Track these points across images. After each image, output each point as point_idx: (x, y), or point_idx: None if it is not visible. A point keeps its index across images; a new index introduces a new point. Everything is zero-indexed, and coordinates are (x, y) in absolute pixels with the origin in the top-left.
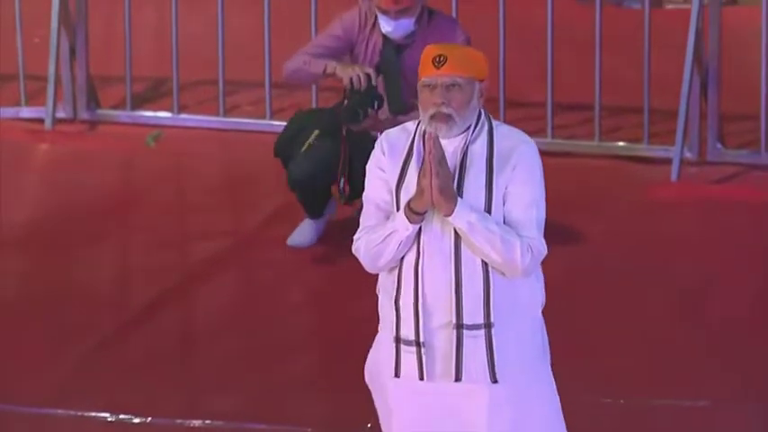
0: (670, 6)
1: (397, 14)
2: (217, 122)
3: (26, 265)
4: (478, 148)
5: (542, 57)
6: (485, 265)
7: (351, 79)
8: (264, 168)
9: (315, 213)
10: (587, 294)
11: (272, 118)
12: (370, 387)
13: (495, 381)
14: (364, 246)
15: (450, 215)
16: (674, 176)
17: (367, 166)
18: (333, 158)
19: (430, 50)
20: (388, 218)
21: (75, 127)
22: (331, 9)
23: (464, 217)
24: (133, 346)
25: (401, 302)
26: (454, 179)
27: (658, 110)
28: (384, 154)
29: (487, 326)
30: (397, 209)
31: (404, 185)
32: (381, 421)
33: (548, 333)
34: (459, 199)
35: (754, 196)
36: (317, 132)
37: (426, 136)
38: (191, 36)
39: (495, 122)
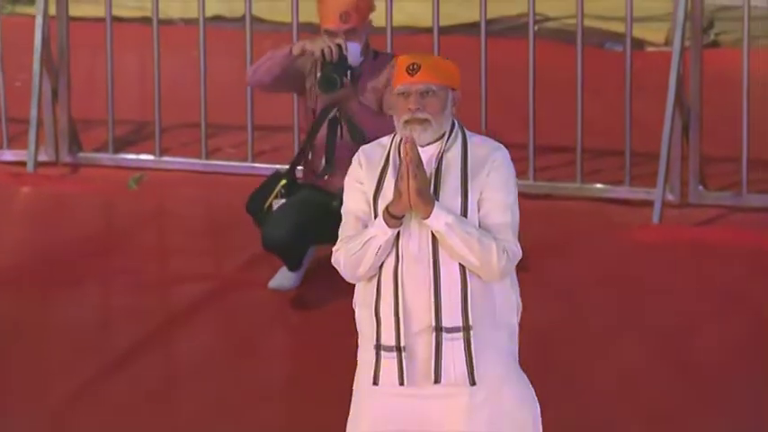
0: (651, 49)
1: (345, 35)
2: (199, 165)
3: (8, 307)
4: (453, 156)
5: (524, 99)
6: (462, 268)
7: (323, 51)
8: (245, 212)
9: (293, 267)
10: (568, 337)
11: (254, 161)
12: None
13: (473, 383)
14: (344, 255)
15: (427, 217)
16: (655, 219)
17: (345, 181)
18: (306, 217)
19: (403, 60)
20: (365, 227)
21: (57, 170)
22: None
23: (441, 219)
24: (113, 389)
25: (381, 309)
26: (430, 186)
27: (640, 152)
28: (361, 167)
29: (466, 329)
30: (375, 217)
31: (381, 194)
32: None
33: (529, 375)
34: (436, 202)
35: (736, 239)
36: (284, 182)
37: (403, 140)
38: (173, 79)
39: (467, 132)
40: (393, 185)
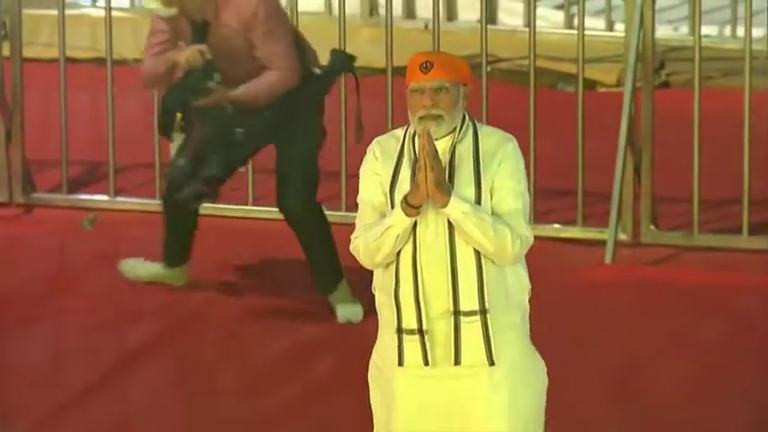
0: (603, 90)
1: None
2: (153, 205)
3: None
4: (465, 148)
5: None
6: (477, 254)
7: (187, 60)
8: (201, 249)
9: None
10: None
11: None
12: (371, 385)
13: (492, 363)
14: (363, 243)
15: (445, 207)
16: (608, 258)
17: (360, 171)
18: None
19: (416, 58)
20: (382, 216)
21: (10, 211)
22: None
23: (458, 208)
24: (67, 429)
25: (401, 294)
26: (446, 177)
27: (592, 192)
28: (377, 158)
29: (483, 312)
30: (392, 207)
31: (397, 185)
32: (377, 418)
33: None
34: (453, 191)
35: (688, 278)
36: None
37: (420, 132)
38: (126, 119)
39: (478, 123)
40: (408, 176)
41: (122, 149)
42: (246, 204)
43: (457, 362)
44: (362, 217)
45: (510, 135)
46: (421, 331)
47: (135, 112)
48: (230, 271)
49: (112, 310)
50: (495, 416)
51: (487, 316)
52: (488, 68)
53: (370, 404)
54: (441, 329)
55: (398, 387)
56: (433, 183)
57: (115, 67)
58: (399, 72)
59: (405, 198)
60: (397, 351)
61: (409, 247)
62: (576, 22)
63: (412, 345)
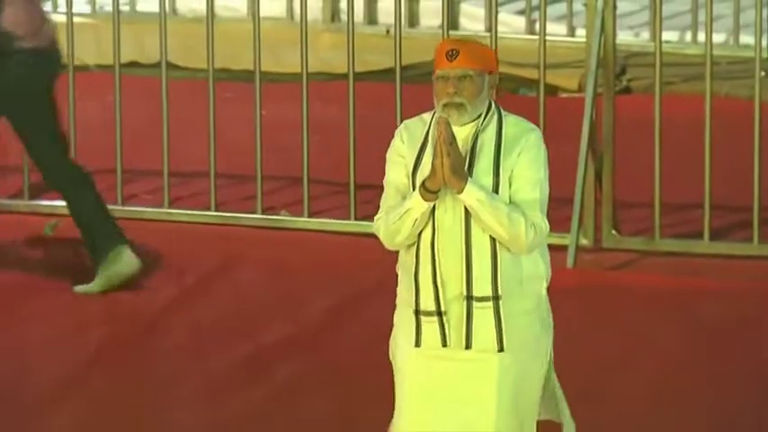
0: (564, 95)
1: None
2: (115, 211)
3: None
4: (488, 135)
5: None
6: (493, 241)
7: None
8: (162, 257)
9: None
10: None
11: (170, 207)
12: (392, 362)
13: (501, 349)
14: (384, 224)
15: (461, 192)
16: (569, 263)
17: (387, 154)
18: None
19: (443, 46)
20: (404, 198)
21: None
22: (222, 105)
23: (473, 194)
24: None
25: (420, 276)
26: (465, 163)
27: (553, 197)
28: (403, 142)
29: (495, 298)
30: (413, 191)
31: (419, 169)
32: (398, 402)
33: None
34: (469, 178)
35: (650, 283)
36: None
37: (437, 120)
38: (87, 125)
39: (503, 112)
40: (430, 162)
41: (83, 155)
42: (209, 210)
43: (468, 346)
44: (386, 199)
45: (534, 126)
46: (439, 313)
47: (96, 118)
48: (193, 277)
49: (74, 316)
50: (503, 401)
51: (500, 302)
52: None
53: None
54: (455, 313)
55: (411, 367)
56: (449, 168)
57: (76, 73)
58: (360, 77)
59: (423, 182)
60: (414, 332)
61: (428, 231)
62: (537, 27)
63: (429, 327)
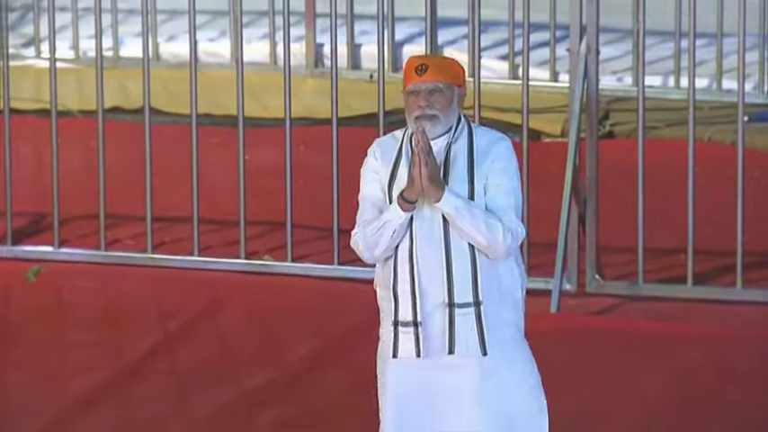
0: (548, 140)
1: None
2: (98, 257)
3: None
4: (460, 146)
5: None
6: (471, 247)
7: None
8: (145, 302)
9: None
10: None
11: (153, 252)
12: (378, 375)
13: (485, 353)
14: (362, 238)
15: (438, 201)
16: (553, 308)
17: (361, 171)
18: None
19: (412, 61)
20: (380, 212)
21: None
22: (205, 150)
23: (451, 203)
24: None
25: (398, 288)
26: (440, 174)
27: (537, 242)
28: (376, 159)
29: (476, 304)
30: (390, 203)
31: (395, 183)
32: (381, 413)
33: None
34: (446, 186)
35: (633, 327)
36: None
37: (416, 130)
38: (71, 170)
39: (473, 124)
40: (406, 174)
41: (67, 201)
42: (192, 255)
43: (451, 351)
44: (362, 213)
45: (503, 135)
46: (415, 323)
47: (79, 163)
48: (176, 322)
49: (56, 363)
50: (485, 405)
51: (481, 308)
52: None
53: None
54: (436, 321)
55: (392, 378)
56: (427, 178)
57: (59, 119)
58: (344, 122)
59: (401, 193)
60: (392, 343)
61: (406, 242)
62: (520, 72)
63: (407, 337)
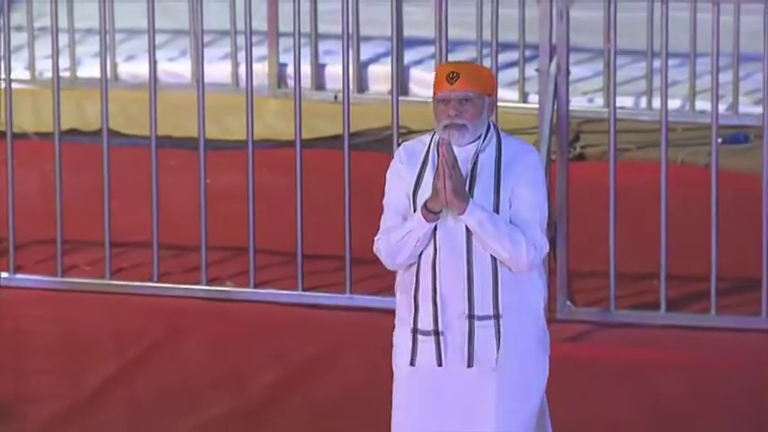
0: None
1: None
2: (54, 283)
3: None
4: (488, 156)
5: None
6: (494, 260)
7: None
8: (103, 330)
9: None
10: None
11: (111, 278)
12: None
13: (501, 366)
14: (384, 244)
15: (462, 214)
16: None
17: (387, 175)
18: None
19: (443, 69)
20: (404, 219)
21: None
22: (165, 173)
23: (475, 215)
24: None
25: (419, 296)
26: (466, 183)
27: None
28: (402, 163)
29: (496, 317)
30: (414, 210)
31: (420, 190)
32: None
33: None
34: (470, 199)
35: (605, 355)
36: None
37: (440, 142)
38: (26, 194)
39: (502, 133)
40: (431, 182)
41: (22, 225)
42: (151, 281)
43: (470, 364)
44: (386, 219)
45: (532, 146)
46: (437, 332)
47: (35, 187)
48: (135, 350)
49: (10, 391)
50: (502, 419)
51: (500, 321)
52: (400, 140)
53: None
54: (456, 332)
55: (408, 386)
56: (451, 190)
57: (15, 141)
58: (308, 144)
59: (425, 204)
60: (410, 351)
61: (430, 251)
62: None
63: (426, 345)
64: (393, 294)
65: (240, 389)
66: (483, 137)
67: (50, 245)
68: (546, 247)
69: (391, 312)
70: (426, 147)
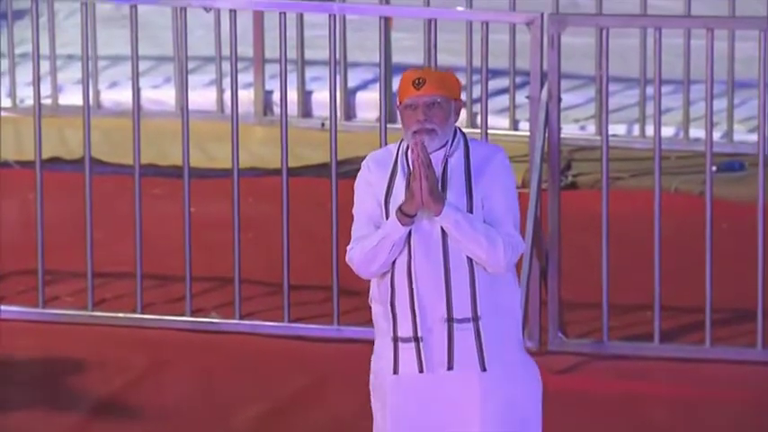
0: None
1: None
2: (36, 314)
3: None
4: (457, 160)
5: None
6: (470, 261)
7: None
8: (86, 362)
9: None
10: None
11: (93, 309)
12: (371, 394)
13: (484, 369)
14: (358, 253)
15: (439, 215)
16: None
17: (355, 185)
18: None
19: (409, 75)
20: (376, 227)
21: None
22: (149, 202)
23: (451, 216)
24: None
25: (397, 304)
26: (439, 187)
27: None
28: (370, 171)
29: (475, 319)
30: (386, 217)
31: (392, 196)
32: (376, 425)
33: None
34: (445, 200)
35: (597, 387)
36: None
37: (413, 143)
38: (7, 223)
39: (468, 137)
40: (403, 188)
41: (3, 256)
42: (134, 312)
43: (450, 367)
44: (357, 228)
45: (500, 147)
46: (416, 339)
47: (16, 216)
48: (117, 383)
49: None
50: (488, 421)
51: (480, 323)
52: None
53: None
54: (435, 336)
55: (393, 394)
56: (428, 191)
57: None
58: (295, 172)
59: (399, 207)
60: (392, 359)
61: (404, 256)
62: (479, 120)
63: (407, 353)
64: None
65: (225, 422)
66: (450, 142)
67: (32, 275)
68: (521, 246)
69: None
70: (394, 155)
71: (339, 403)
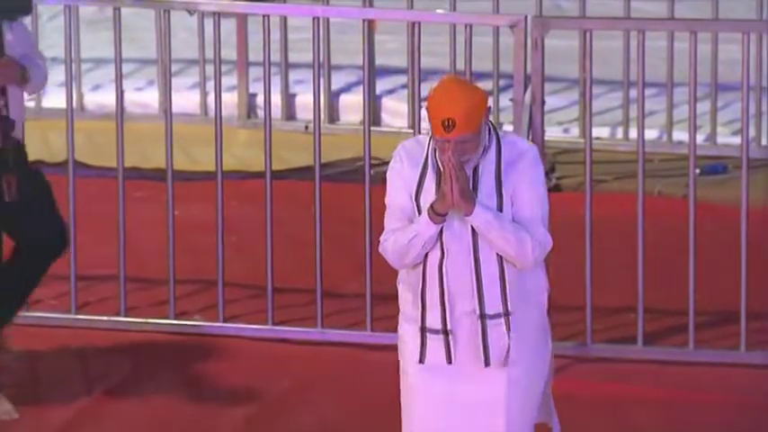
0: None
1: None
2: (18, 317)
3: None
4: (488, 159)
5: (360, 245)
6: (500, 259)
7: None
8: (68, 366)
9: None
10: None
11: (76, 312)
12: (401, 375)
13: (509, 363)
14: (391, 246)
15: (470, 215)
16: None
17: (387, 175)
18: None
19: (436, 113)
20: (409, 220)
21: None
22: (132, 205)
23: (482, 216)
24: None
25: (427, 295)
26: (470, 187)
27: None
28: (402, 162)
29: (506, 314)
30: (418, 213)
31: (423, 192)
32: (403, 412)
33: None
34: (476, 200)
35: (581, 390)
36: None
37: (445, 158)
38: None
39: (500, 133)
40: (433, 185)
41: None
42: (118, 315)
43: (487, 363)
44: (390, 220)
45: (530, 145)
46: (446, 332)
47: None
48: (101, 387)
49: None
50: (512, 412)
51: (510, 318)
52: (372, 171)
53: None
54: (464, 330)
55: (418, 383)
56: (459, 193)
57: None
58: (278, 175)
59: (431, 206)
60: (419, 348)
61: (436, 252)
62: None
63: (435, 344)
64: (365, 329)
65: (211, 426)
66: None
67: None
68: (549, 243)
69: (364, 347)
70: (425, 149)
71: (323, 406)
